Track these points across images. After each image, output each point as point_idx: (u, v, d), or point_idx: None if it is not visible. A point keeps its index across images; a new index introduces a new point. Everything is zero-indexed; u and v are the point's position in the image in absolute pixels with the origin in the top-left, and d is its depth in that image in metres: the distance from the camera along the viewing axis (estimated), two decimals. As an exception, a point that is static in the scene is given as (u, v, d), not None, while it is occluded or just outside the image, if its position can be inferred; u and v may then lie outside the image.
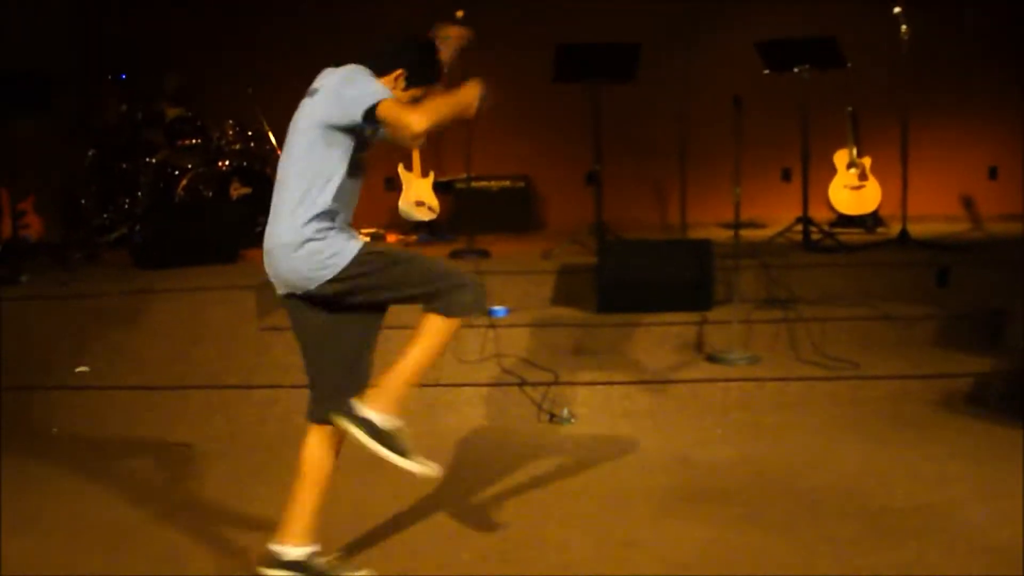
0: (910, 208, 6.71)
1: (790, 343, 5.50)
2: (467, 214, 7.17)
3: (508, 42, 7.71)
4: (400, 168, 7.43)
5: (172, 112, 7.91)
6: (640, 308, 5.62)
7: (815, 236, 6.70)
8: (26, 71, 6.32)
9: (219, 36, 8.44)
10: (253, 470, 4.38)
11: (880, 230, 7.45)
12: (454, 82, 3.15)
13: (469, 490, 4.05)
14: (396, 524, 3.68)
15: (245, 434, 4.91)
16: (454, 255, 6.52)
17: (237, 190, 7.47)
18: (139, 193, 7.70)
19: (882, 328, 5.58)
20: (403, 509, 3.83)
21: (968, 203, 8.45)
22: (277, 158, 4.31)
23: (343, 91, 2.98)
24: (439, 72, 3.22)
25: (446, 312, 3.01)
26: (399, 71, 3.10)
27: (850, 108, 7.66)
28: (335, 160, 3.00)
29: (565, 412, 4.99)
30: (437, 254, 6.70)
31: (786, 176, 8.52)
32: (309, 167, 2.99)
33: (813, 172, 6.87)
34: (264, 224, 3.08)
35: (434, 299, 3.02)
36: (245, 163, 7.61)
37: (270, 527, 3.19)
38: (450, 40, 3.34)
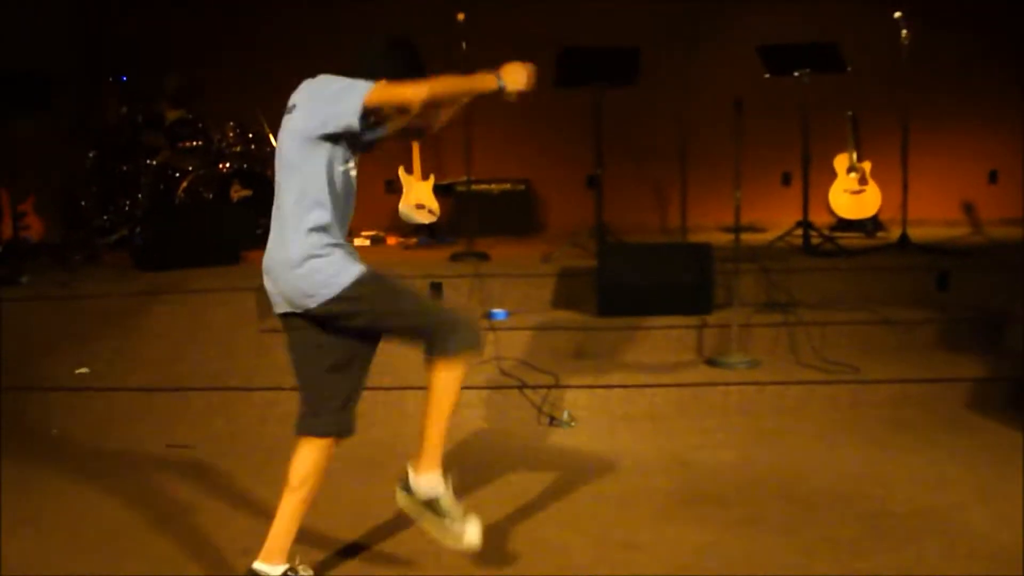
0: (910, 212, 6.72)
1: (790, 347, 5.51)
2: (467, 217, 7.16)
3: (508, 43, 7.67)
4: (400, 171, 7.44)
5: (173, 114, 7.91)
6: (640, 311, 5.63)
7: (815, 240, 6.69)
8: (26, 71, 6.30)
9: (219, 36, 8.43)
10: (253, 471, 4.37)
11: (880, 234, 7.46)
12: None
13: (469, 492, 4.04)
14: (396, 524, 3.67)
15: (245, 435, 4.90)
16: (454, 258, 6.50)
17: (238, 192, 7.47)
18: (139, 195, 7.70)
19: (882, 332, 5.59)
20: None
21: (968, 207, 8.46)
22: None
23: (323, 98, 2.95)
24: (424, 71, 3.11)
25: (445, 353, 3.03)
26: (381, 81, 2.96)
27: (850, 112, 7.68)
28: (324, 173, 2.96)
29: (565, 415, 4.99)
30: (437, 256, 6.72)
31: (786, 180, 8.52)
32: (300, 183, 2.97)
33: (813, 176, 6.87)
34: (264, 226, 3.09)
35: (433, 338, 3.03)
36: (246, 165, 7.61)
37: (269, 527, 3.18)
38: (518, 92, 3.23)
